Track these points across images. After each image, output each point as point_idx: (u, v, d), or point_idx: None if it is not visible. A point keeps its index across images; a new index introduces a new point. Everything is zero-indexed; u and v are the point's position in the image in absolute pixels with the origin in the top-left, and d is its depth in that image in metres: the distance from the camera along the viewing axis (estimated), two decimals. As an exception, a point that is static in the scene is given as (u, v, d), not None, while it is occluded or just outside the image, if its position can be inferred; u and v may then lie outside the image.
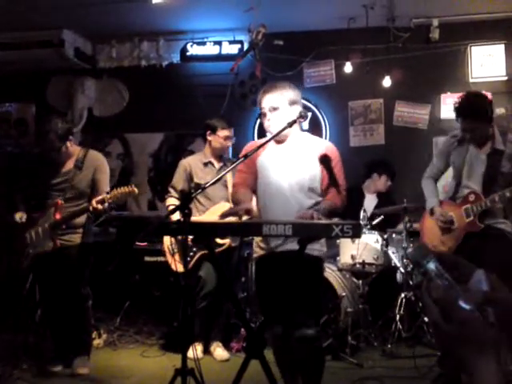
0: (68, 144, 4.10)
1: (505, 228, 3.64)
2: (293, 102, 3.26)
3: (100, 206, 3.90)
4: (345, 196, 3.22)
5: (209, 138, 4.80)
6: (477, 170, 3.72)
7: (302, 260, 2.79)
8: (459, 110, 3.73)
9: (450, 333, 0.86)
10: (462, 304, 0.88)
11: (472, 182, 3.73)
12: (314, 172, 3.21)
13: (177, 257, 4.63)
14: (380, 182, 5.72)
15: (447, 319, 0.87)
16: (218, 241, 4.52)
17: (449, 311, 0.87)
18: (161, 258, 5.21)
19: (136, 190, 3.97)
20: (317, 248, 3.15)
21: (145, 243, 5.43)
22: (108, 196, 3.91)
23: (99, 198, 3.92)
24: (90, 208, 3.93)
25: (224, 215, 3.13)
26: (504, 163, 3.65)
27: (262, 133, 6.32)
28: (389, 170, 5.72)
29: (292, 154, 3.26)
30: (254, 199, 3.35)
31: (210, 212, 4.63)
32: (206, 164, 4.80)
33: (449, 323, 0.86)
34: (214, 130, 4.77)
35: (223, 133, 4.76)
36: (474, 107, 3.71)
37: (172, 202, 4.72)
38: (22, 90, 6.83)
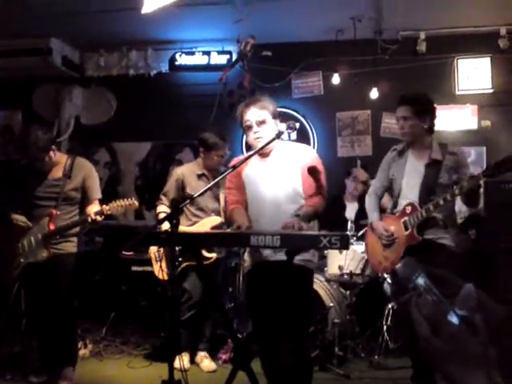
0: (51, 154, 4.06)
1: (446, 243, 3.58)
2: (275, 116, 3.30)
3: (99, 218, 3.91)
4: (325, 198, 3.25)
5: (202, 154, 4.73)
6: (415, 181, 3.69)
7: (290, 271, 2.80)
8: (398, 98, 3.81)
9: (439, 347, 0.86)
10: (452, 318, 0.89)
11: (410, 193, 3.69)
12: (297, 180, 3.25)
13: (162, 264, 4.62)
14: (351, 183, 5.69)
15: (436, 334, 0.87)
16: (205, 254, 4.52)
17: (438, 326, 0.87)
18: (148, 268, 5.18)
19: (136, 203, 3.99)
20: (307, 258, 3.18)
21: (132, 253, 5.40)
22: (107, 207, 3.94)
23: (98, 209, 3.94)
24: (89, 219, 3.91)
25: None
26: (442, 174, 3.61)
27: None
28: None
29: (275, 165, 3.29)
30: None
31: (200, 224, 4.61)
32: (199, 176, 4.74)
33: (438, 338, 0.87)
34: (208, 149, 4.68)
35: (218, 153, 4.68)
36: (414, 97, 3.80)
37: (162, 209, 4.68)
38: (9, 97, 6.78)
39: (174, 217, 2.64)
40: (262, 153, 3.29)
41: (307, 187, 3.24)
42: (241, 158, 3.34)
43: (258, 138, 3.25)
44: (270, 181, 3.26)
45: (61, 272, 4.02)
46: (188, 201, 2.99)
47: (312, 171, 3.21)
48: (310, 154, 3.36)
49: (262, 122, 3.24)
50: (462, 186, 3.38)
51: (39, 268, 4.01)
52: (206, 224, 4.59)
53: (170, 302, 3.11)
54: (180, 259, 4.55)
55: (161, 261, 4.64)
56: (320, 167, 3.27)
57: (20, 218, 4.01)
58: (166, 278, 4.57)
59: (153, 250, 4.71)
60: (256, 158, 3.32)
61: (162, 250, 4.63)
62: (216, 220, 4.63)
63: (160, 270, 4.64)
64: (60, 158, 4.15)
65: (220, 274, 4.81)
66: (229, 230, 4.25)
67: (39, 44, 6.14)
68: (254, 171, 3.33)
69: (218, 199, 4.70)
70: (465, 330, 0.88)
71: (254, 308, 3.32)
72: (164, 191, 4.78)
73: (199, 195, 2.87)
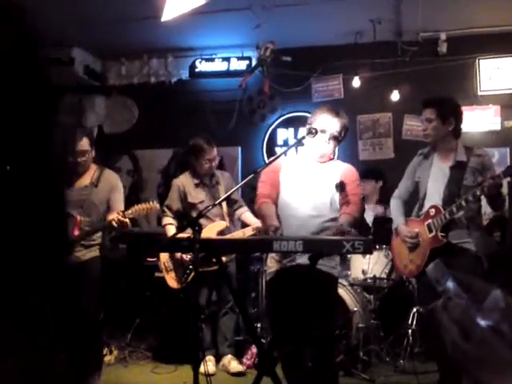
0: (90, 155, 4.16)
1: (470, 247, 3.57)
2: (335, 137, 3.36)
3: (125, 219, 3.95)
4: (361, 205, 3.34)
5: (194, 162, 4.82)
6: (440, 183, 3.68)
7: (314, 277, 2.79)
8: (424, 101, 3.80)
9: (468, 352, 0.85)
10: (481, 322, 0.87)
11: (435, 195, 3.68)
12: (332, 191, 3.28)
13: (172, 274, 4.72)
14: (367, 188, 5.64)
15: (466, 338, 0.85)
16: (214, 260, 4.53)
17: (468, 330, 0.85)
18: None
19: (157, 205, 4.05)
20: (332, 265, 3.17)
21: (155, 259, 5.43)
22: (129, 211, 3.99)
23: (120, 212, 3.99)
24: (114, 222, 3.94)
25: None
26: (467, 176, 3.59)
27: (271, 149, 6.38)
28: (372, 173, 5.67)
29: (314, 172, 3.33)
30: None
31: (206, 230, 4.60)
32: (197, 185, 4.81)
33: (468, 342, 0.85)
34: (195, 156, 4.77)
35: (203, 157, 4.73)
36: (439, 99, 3.79)
37: (169, 221, 4.77)
38: (33, 107, 6.89)
39: (196, 223, 2.65)
40: (319, 158, 3.36)
41: (342, 197, 3.28)
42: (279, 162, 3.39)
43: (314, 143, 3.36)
44: (304, 184, 3.30)
45: (85, 278, 4.05)
46: (210, 207, 3.00)
47: (342, 183, 3.27)
48: (346, 169, 3.41)
49: (322, 131, 3.31)
50: (484, 187, 3.36)
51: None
52: (212, 229, 4.60)
53: (192, 309, 3.13)
54: (190, 267, 4.59)
55: (170, 271, 4.71)
56: (353, 180, 3.34)
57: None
58: (175, 286, 4.69)
59: (163, 259, 4.75)
60: (302, 161, 3.38)
61: (170, 259, 4.72)
62: (221, 225, 4.65)
63: (170, 279, 4.70)
64: (91, 166, 4.22)
65: (233, 278, 4.79)
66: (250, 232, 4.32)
67: (61, 54, 6.22)
68: (294, 174, 3.36)
69: (220, 204, 4.71)
70: (496, 335, 0.87)
71: (277, 314, 3.30)
72: (167, 203, 4.83)
73: (224, 199, 2.89)
